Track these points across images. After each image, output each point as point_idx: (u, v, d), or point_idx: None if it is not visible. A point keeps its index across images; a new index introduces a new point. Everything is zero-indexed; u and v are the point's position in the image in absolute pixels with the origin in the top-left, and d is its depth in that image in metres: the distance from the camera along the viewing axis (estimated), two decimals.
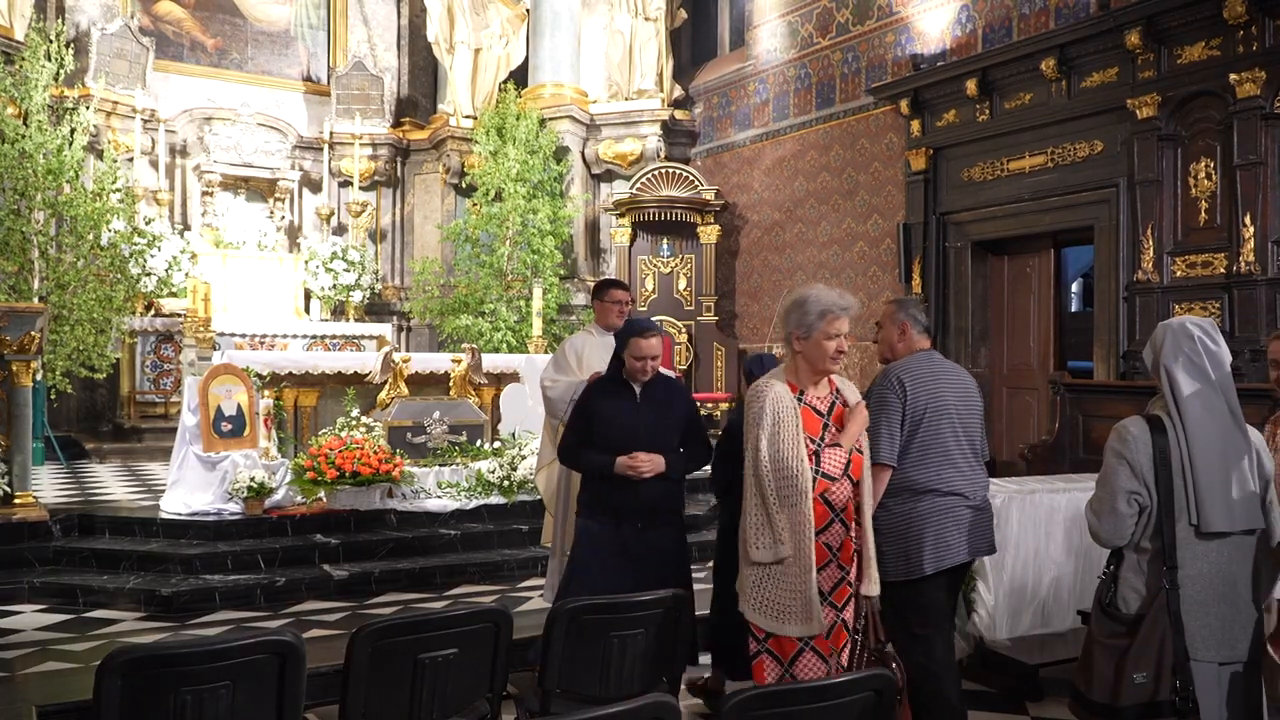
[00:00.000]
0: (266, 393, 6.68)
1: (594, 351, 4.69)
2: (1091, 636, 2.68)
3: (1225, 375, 2.62)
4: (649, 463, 3.57)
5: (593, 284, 11.94)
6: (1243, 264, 6.72)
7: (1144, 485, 2.55)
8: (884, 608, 3.20)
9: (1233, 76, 6.72)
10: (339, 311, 12.46)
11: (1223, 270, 6.91)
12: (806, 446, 2.96)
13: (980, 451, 3.46)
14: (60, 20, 11.07)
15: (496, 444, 7.14)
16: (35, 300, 8.75)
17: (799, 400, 3.05)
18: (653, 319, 11.47)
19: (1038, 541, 4.49)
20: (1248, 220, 6.71)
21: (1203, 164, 7.06)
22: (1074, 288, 12.58)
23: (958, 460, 3.34)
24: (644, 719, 2.02)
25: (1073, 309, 10.75)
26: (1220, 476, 2.53)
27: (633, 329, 3.70)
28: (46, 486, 7.53)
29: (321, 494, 6.25)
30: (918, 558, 3.25)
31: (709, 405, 10.99)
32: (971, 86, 8.55)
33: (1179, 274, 7.22)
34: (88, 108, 10.01)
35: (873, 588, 3.08)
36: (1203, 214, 7.07)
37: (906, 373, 3.36)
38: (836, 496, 3.02)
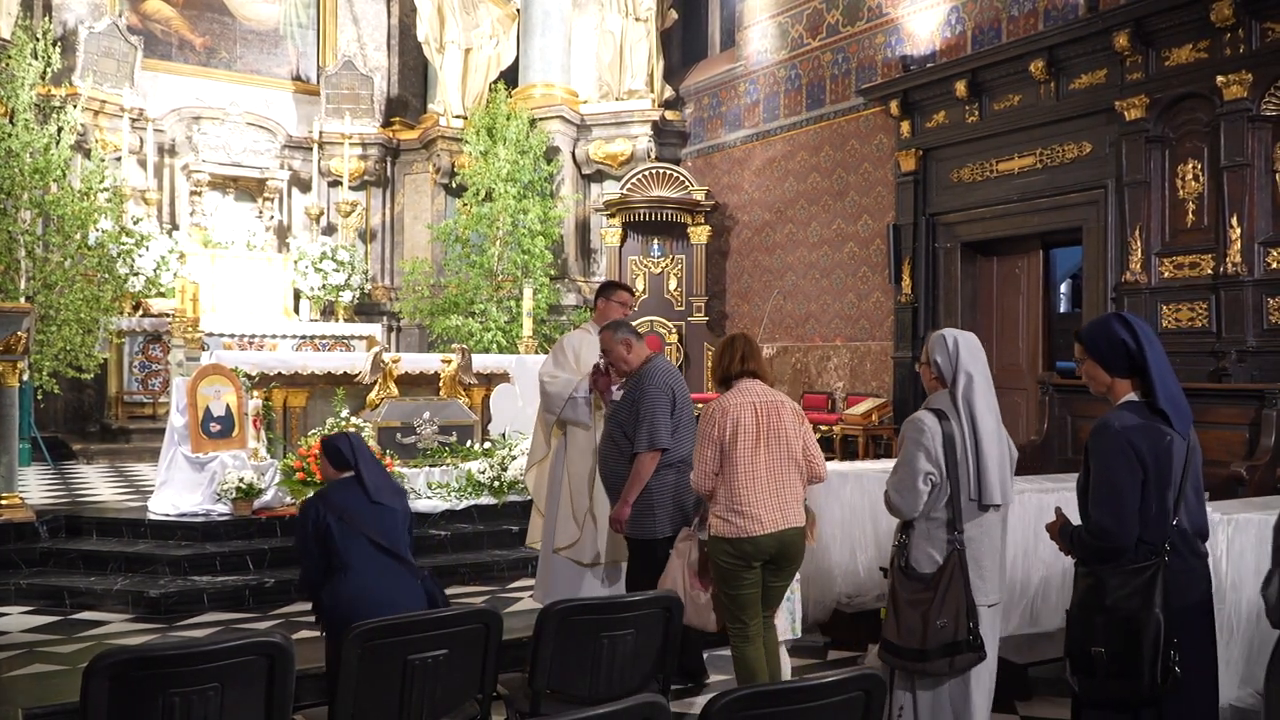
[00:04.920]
0: (255, 393, 6.65)
1: (591, 350, 4.70)
2: (896, 595, 3.10)
3: (989, 376, 3.15)
4: None
5: (585, 284, 11.98)
6: (1229, 265, 6.76)
7: (936, 466, 3.01)
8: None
9: (1220, 79, 6.76)
10: (328, 312, 12.42)
11: (1210, 271, 6.94)
12: None
13: None
14: (47, 18, 11.00)
15: (487, 444, 7.13)
16: (22, 300, 8.68)
17: None
18: (643, 319, 11.55)
19: (1026, 541, 4.51)
20: (1234, 222, 6.75)
21: (1190, 165, 7.10)
22: (1062, 289, 12.63)
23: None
24: (634, 719, 2.02)
25: (1061, 310, 10.78)
26: (996, 461, 3.05)
27: None
28: (33, 488, 7.48)
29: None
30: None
31: (700, 406, 10.97)
32: (961, 88, 8.58)
33: (1167, 275, 7.26)
34: (75, 106, 9.95)
35: None
36: (1190, 215, 7.11)
37: (666, 373, 4.11)
38: None
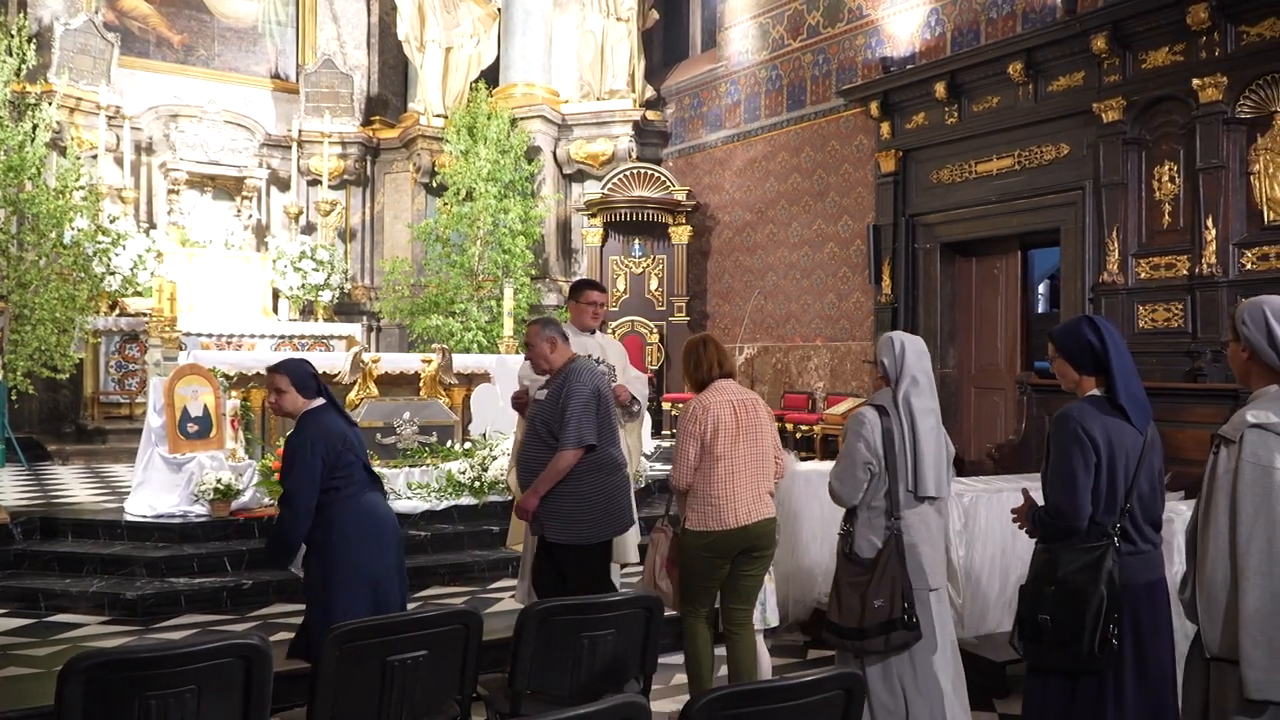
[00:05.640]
0: (233, 393, 6.61)
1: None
2: (838, 579, 3.38)
3: (932, 379, 3.43)
4: None
5: (566, 284, 11.96)
6: (1204, 266, 6.83)
7: (875, 457, 3.30)
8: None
9: (1195, 81, 6.83)
10: (308, 311, 12.35)
11: (1185, 272, 7.02)
12: None
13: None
14: (22, 14, 10.86)
15: (467, 445, 7.11)
16: None
17: None
18: (624, 319, 11.55)
19: (1004, 540, 4.54)
20: (1209, 223, 6.83)
21: (1166, 167, 7.17)
22: (1040, 289, 12.73)
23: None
24: (615, 719, 2.02)
25: (1039, 310, 10.87)
26: (933, 456, 3.32)
27: None
28: (7, 489, 7.39)
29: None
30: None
31: (681, 405, 11.00)
32: (940, 89, 8.63)
33: (1143, 276, 7.33)
34: (50, 104, 9.84)
35: None
36: (1166, 216, 7.18)
37: (593, 374, 4.00)
38: None
